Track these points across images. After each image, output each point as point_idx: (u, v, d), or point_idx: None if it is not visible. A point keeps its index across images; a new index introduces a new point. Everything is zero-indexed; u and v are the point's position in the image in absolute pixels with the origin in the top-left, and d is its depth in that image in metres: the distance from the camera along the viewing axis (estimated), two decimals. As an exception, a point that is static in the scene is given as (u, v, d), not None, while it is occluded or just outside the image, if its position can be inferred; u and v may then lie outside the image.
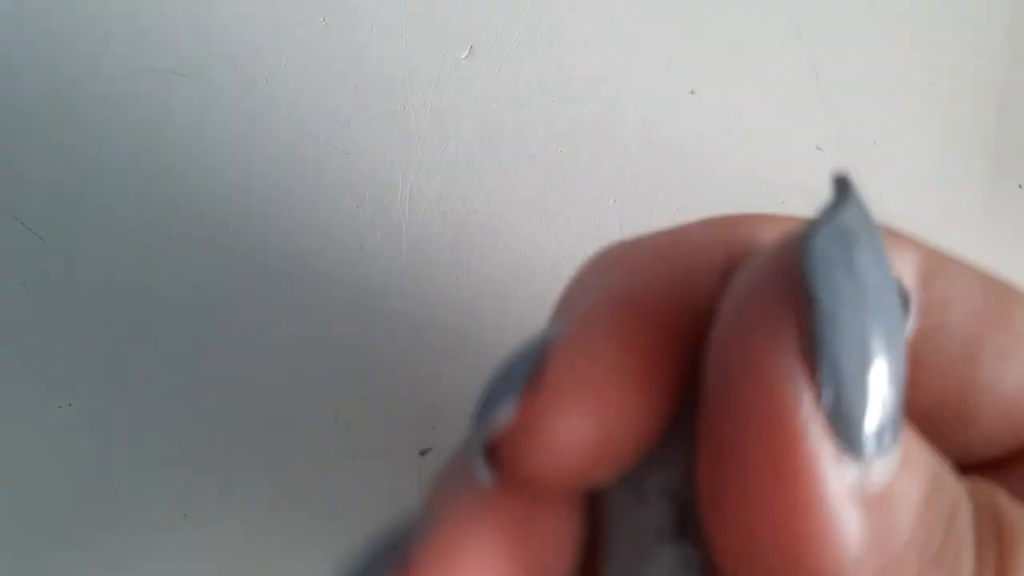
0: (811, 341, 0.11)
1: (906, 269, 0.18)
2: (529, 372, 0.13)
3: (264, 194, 0.49)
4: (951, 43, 0.52)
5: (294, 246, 0.47)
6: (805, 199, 0.55)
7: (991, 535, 0.14)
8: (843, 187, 0.15)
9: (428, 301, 0.46)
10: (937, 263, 0.17)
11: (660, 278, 0.15)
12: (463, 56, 0.54)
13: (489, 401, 0.14)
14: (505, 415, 0.13)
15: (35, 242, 0.48)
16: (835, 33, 0.52)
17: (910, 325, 0.17)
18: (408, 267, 0.47)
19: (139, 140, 0.51)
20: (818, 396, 0.11)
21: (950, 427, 0.17)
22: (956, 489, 0.14)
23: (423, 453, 0.44)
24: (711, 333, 0.13)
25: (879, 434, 0.12)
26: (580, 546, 0.16)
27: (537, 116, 0.52)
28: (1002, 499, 0.15)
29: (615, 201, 0.49)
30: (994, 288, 0.17)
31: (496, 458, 0.13)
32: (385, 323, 0.46)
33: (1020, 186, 0.49)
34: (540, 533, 0.14)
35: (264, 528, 0.43)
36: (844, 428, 0.11)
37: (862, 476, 0.12)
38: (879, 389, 0.12)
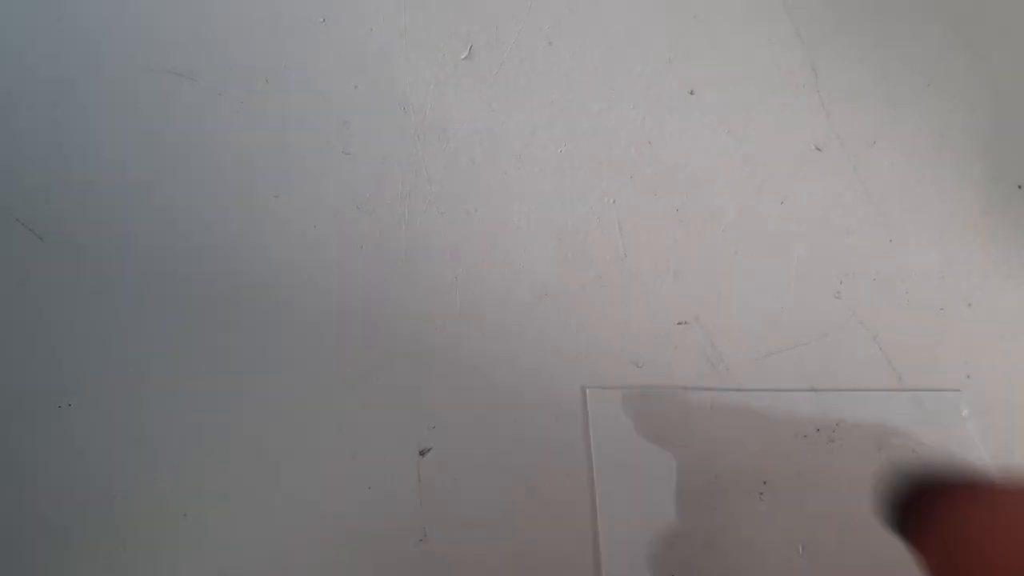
0: None
1: None
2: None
3: (264, 194, 0.49)
4: (950, 44, 0.52)
5: (294, 246, 0.47)
6: (805, 199, 0.55)
7: None
8: None
9: (427, 301, 0.46)
10: None
11: None
12: (463, 56, 0.54)
13: None
14: None
15: (35, 242, 0.48)
16: (835, 33, 0.52)
17: None
18: (408, 267, 0.47)
19: (139, 140, 0.51)
20: None
21: None
22: None
23: (423, 453, 0.44)
24: None
25: None
26: None
27: (537, 116, 0.52)
28: None
29: (615, 201, 0.49)
30: None
31: None
32: (385, 323, 0.46)
33: (1019, 187, 0.49)
34: None
35: (264, 527, 0.43)
36: None
37: None
38: None
